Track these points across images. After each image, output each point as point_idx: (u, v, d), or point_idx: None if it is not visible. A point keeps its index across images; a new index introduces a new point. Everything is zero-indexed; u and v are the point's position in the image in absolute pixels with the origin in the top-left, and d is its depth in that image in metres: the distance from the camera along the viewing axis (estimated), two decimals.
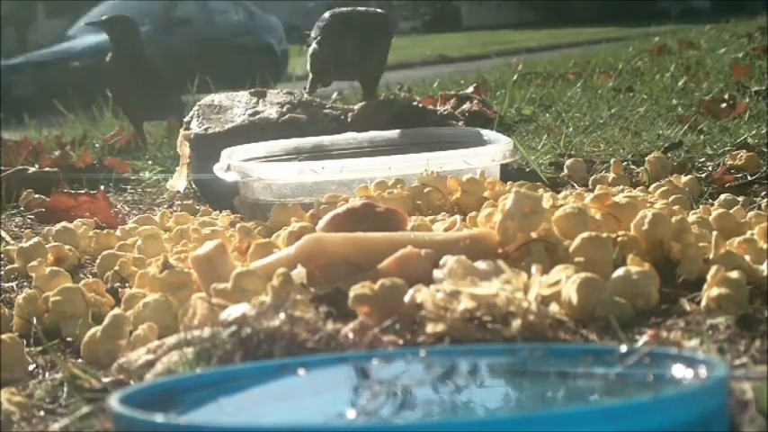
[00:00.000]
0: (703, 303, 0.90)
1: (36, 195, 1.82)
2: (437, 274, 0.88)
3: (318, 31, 1.97)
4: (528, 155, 1.82)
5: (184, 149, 1.87)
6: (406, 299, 0.87)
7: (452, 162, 1.52)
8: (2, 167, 2.04)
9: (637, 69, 3.63)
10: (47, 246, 1.33)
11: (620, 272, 0.93)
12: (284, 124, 1.88)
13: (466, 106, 2.23)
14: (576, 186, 1.61)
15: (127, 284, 1.17)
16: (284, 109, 1.93)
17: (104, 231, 1.47)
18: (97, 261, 1.28)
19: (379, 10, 2.13)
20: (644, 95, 2.79)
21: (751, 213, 1.17)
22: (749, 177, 1.61)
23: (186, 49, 8.71)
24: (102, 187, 2.00)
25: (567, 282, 0.90)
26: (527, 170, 1.79)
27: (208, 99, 1.99)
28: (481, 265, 0.88)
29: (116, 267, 1.21)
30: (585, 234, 0.99)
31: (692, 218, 1.13)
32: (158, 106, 2.82)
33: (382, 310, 0.86)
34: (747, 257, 0.99)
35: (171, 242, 1.33)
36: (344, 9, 2.05)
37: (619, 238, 1.03)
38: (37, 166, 2.19)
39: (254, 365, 0.74)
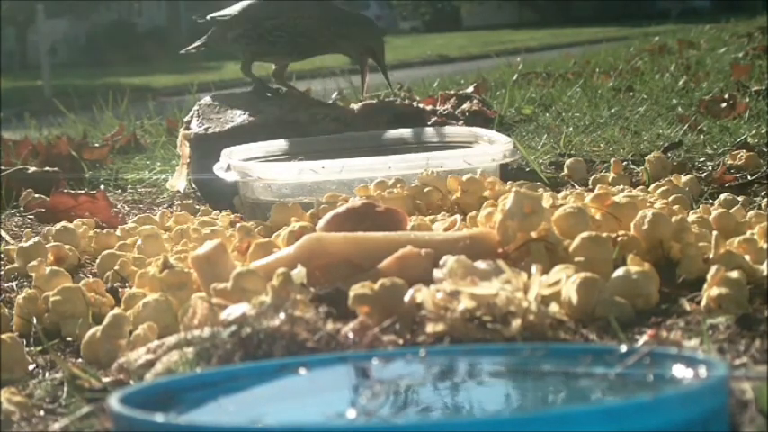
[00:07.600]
0: (703, 303, 0.90)
1: (36, 195, 1.81)
2: (437, 273, 0.88)
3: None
4: (528, 155, 1.82)
5: (184, 149, 1.86)
6: (406, 299, 0.87)
7: (452, 162, 1.52)
8: (2, 167, 2.04)
9: (637, 69, 3.63)
10: (47, 246, 1.32)
11: (620, 272, 0.93)
12: (284, 124, 1.88)
13: (466, 106, 2.23)
14: (576, 186, 1.61)
15: (127, 284, 1.17)
16: (284, 109, 1.93)
17: (104, 231, 1.46)
18: (97, 261, 1.28)
19: None
20: (644, 95, 2.79)
21: (751, 213, 1.17)
22: (749, 177, 1.61)
23: None
24: (102, 187, 2.00)
25: (566, 282, 0.90)
26: (527, 170, 1.79)
27: (208, 99, 1.99)
28: (481, 265, 0.88)
29: (116, 267, 1.20)
30: (585, 234, 0.99)
31: (692, 218, 1.13)
32: None
33: (382, 309, 0.86)
34: (747, 257, 0.99)
35: (171, 242, 1.33)
36: None
37: (619, 238, 1.03)
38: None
39: (254, 365, 0.74)
